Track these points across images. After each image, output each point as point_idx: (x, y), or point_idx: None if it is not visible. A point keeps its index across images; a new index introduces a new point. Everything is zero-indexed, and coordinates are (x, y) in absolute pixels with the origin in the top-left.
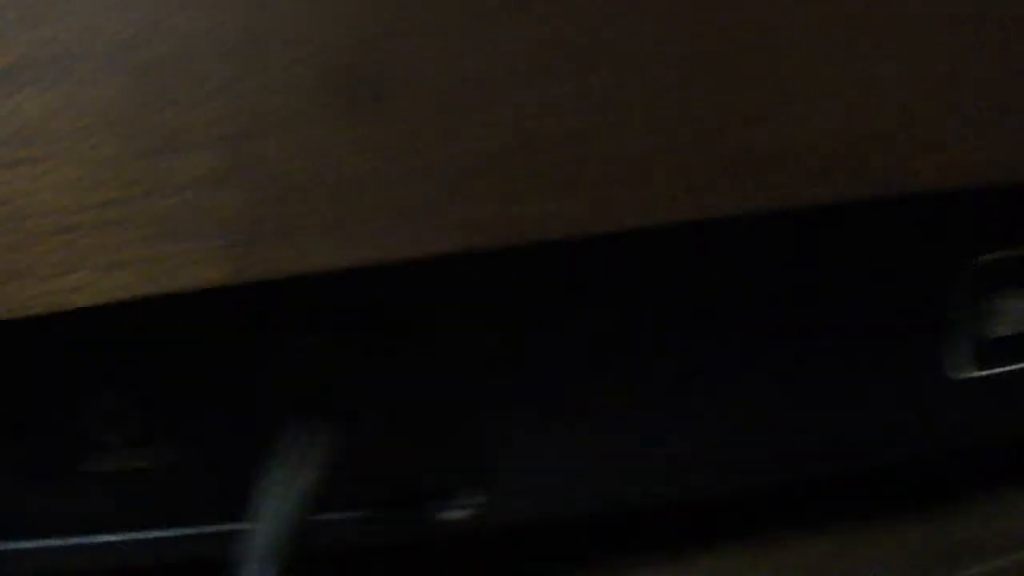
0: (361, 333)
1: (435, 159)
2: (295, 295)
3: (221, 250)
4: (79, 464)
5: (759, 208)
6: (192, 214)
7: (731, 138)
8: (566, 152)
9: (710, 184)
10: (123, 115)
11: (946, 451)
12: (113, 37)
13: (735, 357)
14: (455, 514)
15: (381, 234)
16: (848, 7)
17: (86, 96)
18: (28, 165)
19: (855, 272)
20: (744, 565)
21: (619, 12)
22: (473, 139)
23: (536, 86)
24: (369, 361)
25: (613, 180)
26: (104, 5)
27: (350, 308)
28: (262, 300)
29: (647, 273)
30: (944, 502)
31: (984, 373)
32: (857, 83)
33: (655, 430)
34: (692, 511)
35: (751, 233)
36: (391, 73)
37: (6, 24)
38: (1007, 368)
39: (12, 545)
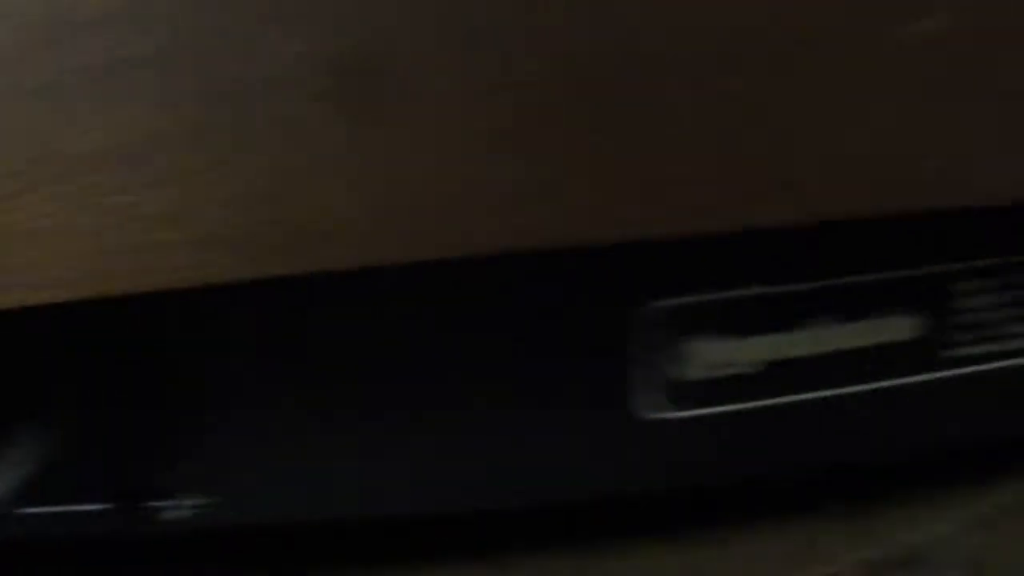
0: (81, 332)
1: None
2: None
3: None
4: None
5: None
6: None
7: None
8: None
9: None
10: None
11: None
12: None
13: (445, 386)
14: (176, 514)
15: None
16: None
17: None
18: None
19: (546, 315)
20: None
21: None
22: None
23: None
24: (90, 359)
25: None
26: None
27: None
28: None
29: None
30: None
31: (681, 415)
32: None
33: (375, 439)
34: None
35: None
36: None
37: None
38: (703, 411)
39: None
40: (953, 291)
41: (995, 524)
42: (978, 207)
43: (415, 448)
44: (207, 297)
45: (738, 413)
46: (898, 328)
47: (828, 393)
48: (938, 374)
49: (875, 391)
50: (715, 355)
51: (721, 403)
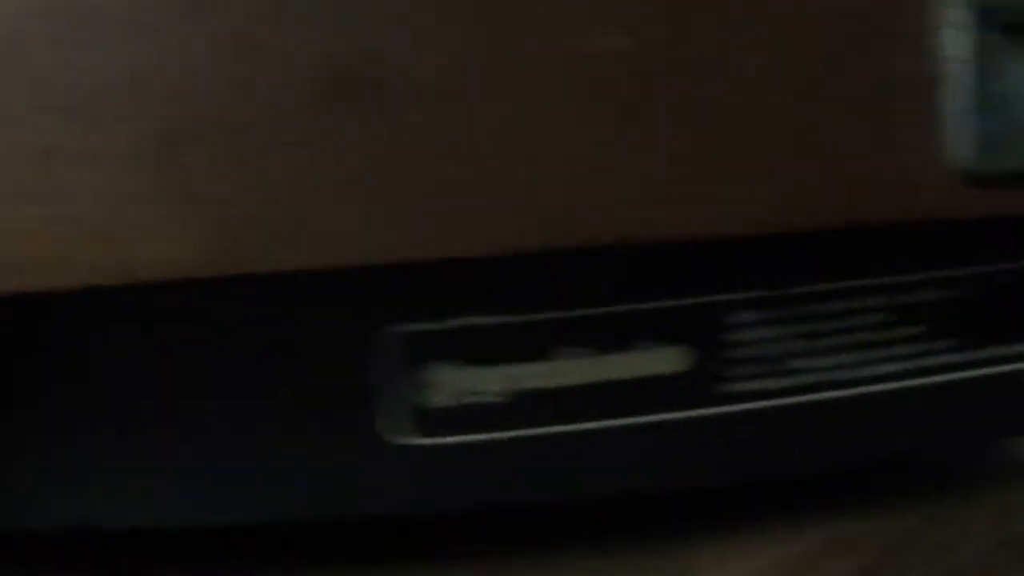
0: None
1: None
2: None
3: None
4: None
5: None
6: None
7: None
8: None
9: None
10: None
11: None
12: None
13: (195, 406)
14: None
15: None
16: None
17: None
18: None
19: (296, 336)
20: None
21: None
22: None
23: None
24: None
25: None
26: None
27: None
28: None
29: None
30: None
31: (428, 442)
32: None
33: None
34: None
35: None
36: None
37: None
38: (451, 439)
39: None
40: (725, 323)
41: (815, 564)
42: (744, 236)
43: (164, 465)
44: None
45: (489, 443)
46: (664, 361)
47: (589, 426)
48: (714, 409)
49: (642, 425)
50: (458, 383)
51: (469, 432)
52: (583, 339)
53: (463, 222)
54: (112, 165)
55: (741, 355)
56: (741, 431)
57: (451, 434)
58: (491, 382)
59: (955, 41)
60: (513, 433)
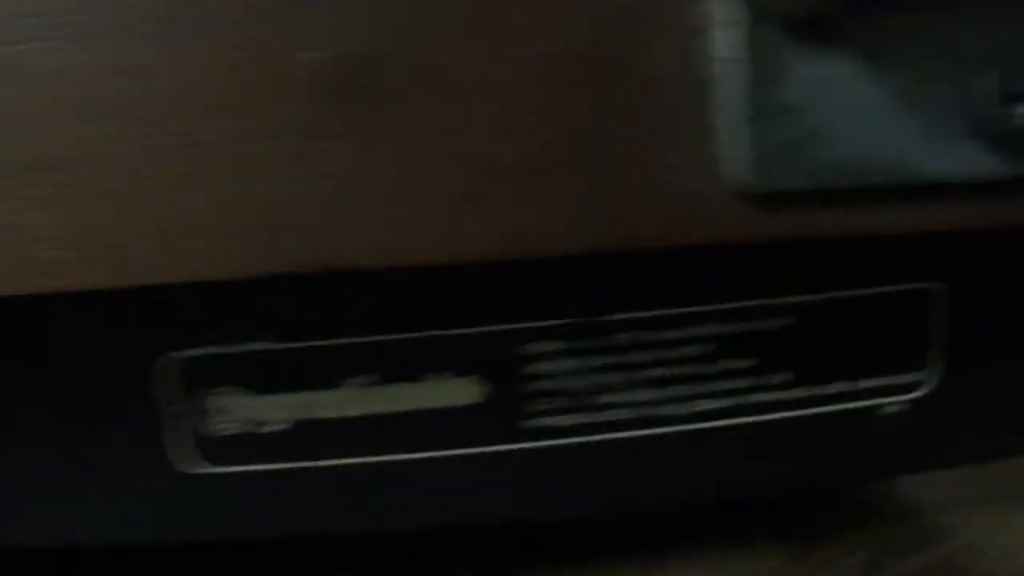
0: None
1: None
2: None
3: None
4: None
5: None
6: None
7: None
8: None
9: None
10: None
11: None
12: None
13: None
14: None
15: None
16: None
17: None
18: None
19: (89, 358)
20: None
21: None
22: None
23: None
24: None
25: None
26: None
27: None
28: None
29: None
30: None
31: (215, 470)
32: None
33: None
34: None
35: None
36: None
37: None
38: (240, 468)
39: None
40: (521, 354)
41: None
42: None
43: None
44: None
45: (277, 472)
46: (456, 392)
47: (380, 459)
48: (513, 445)
49: (436, 460)
50: (244, 410)
51: (255, 461)
52: (372, 367)
53: (222, 244)
54: None
55: (542, 388)
56: (547, 468)
57: (237, 463)
58: (277, 410)
59: (727, 39)
60: (300, 464)
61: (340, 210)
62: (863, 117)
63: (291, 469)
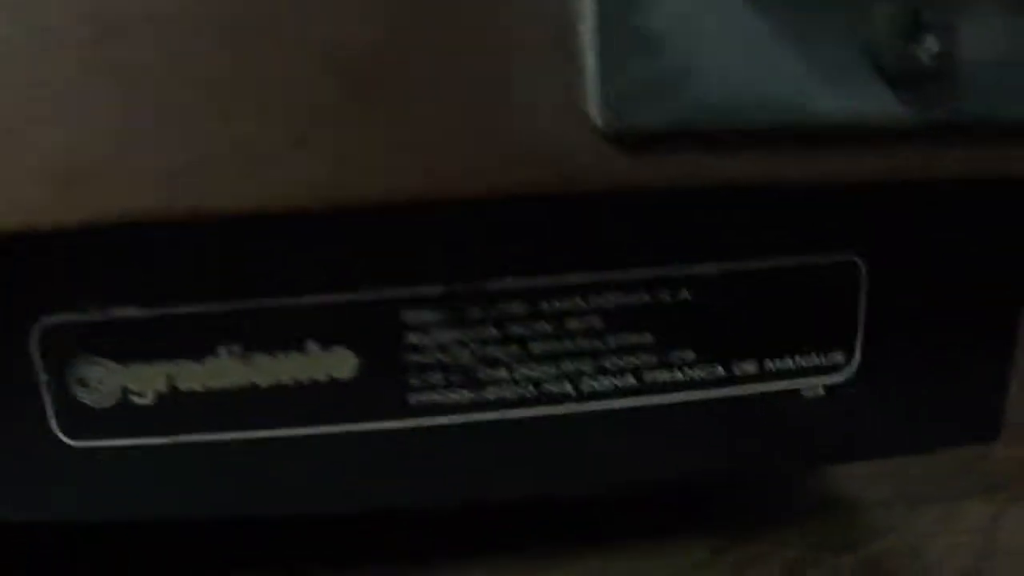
0: None
1: None
2: None
3: None
4: None
5: None
6: None
7: None
8: None
9: None
10: None
11: None
12: None
13: None
14: None
15: None
16: None
17: None
18: None
19: None
20: None
21: None
22: None
23: None
24: None
25: None
26: None
27: None
28: None
29: None
30: None
31: (88, 444)
32: None
33: None
34: None
35: None
36: None
37: None
38: (109, 442)
39: None
40: (402, 323)
41: None
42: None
43: None
44: None
45: (149, 448)
46: (335, 364)
47: (257, 434)
48: (397, 423)
49: (315, 437)
50: (113, 381)
51: (126, 436)
52: (241, 337)
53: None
54: None
55: (423, 360)
56: (432, 449)
57: (107, 437)
58: (145, 381)
59: None
60: (168, 440)
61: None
62: (742, 50)
63: (160, 445)
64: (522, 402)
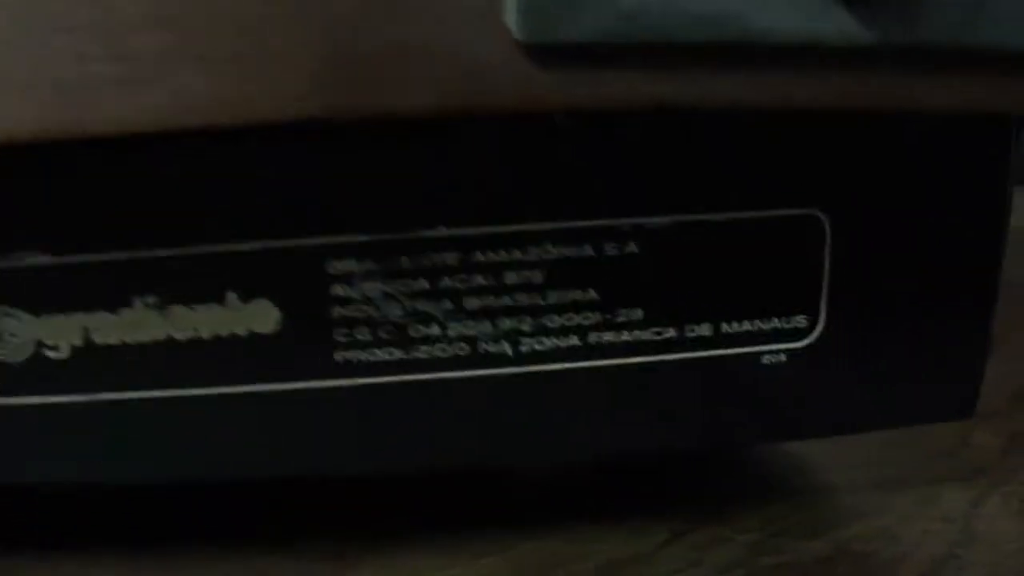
0: None
1: None
2: None
3: None
4: None
5: None
6: None
7: None
8: None
9: None
10: None
11: None
12: None
13: None
14: None
15: None
16: None
17: None
18: None
19: None
20: None
21: None
22: None
23: None
24: None
25: None
26: None
27: None
28: None
29: None
30: None
31: (10, 401)
32: None
33: None
34: None
35: None
36: None
37: None
38: (23, 400)
39: None
40: (328, 274)
41: None
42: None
43: None
44: None
45: (66, 406)
46: (257, 317)
47: (175, 393)
48: (322, 382)
49: (237, 396)
50: (26, 333)
51: (40, 393)
52: (158, 287)
53: None
54: None
55: (351, 315)
56: (361, 412)
57: (21, 394)
58: (62, 334)
59: None
60: (89, 397)
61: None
62: None
63: (75, 403)
64: (456, 363)
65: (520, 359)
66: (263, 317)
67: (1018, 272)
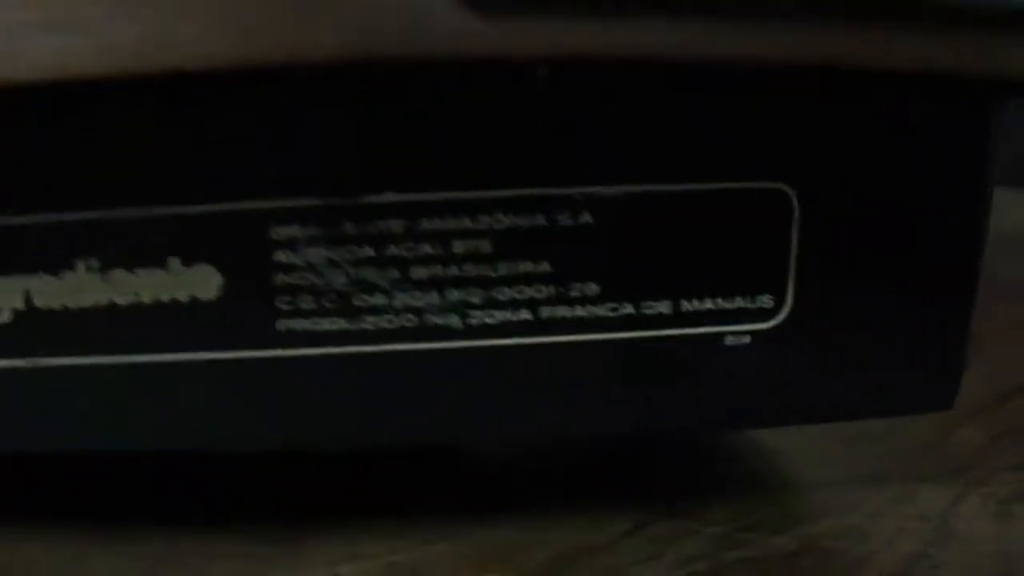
0: None
1: None
2: None
3: None
4: None
5: None
6: None
7: None
8: None
9: None
10: None
11: None
12: None
13: None
14: None
15: None
16: None
17: None
18: None
19: None
20: None
21: None
22: None
23: None
24: None
25: None
26: None
27: None
28: None
29: None
30: None
31: None
32: None
33: None
34: None
35: None
36: None
37: None
38: None
39: None
40: (270, 240)
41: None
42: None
43: None
44: None
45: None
46: (196, 283)
47: (113, 359)
48: (269, 352)
49: (177, 364)
50: None
51: None
52: (99, 250)
53: None
54: None
55: (293, 283)
56: (305, 384)
57: None
58: (4, 297)
59: None
60: (32, 362)
61: None
62: None
63: (18, 369)
64: (403, 334)
65: (470, 332)
66: (205, 283)
67: (1011, 269)
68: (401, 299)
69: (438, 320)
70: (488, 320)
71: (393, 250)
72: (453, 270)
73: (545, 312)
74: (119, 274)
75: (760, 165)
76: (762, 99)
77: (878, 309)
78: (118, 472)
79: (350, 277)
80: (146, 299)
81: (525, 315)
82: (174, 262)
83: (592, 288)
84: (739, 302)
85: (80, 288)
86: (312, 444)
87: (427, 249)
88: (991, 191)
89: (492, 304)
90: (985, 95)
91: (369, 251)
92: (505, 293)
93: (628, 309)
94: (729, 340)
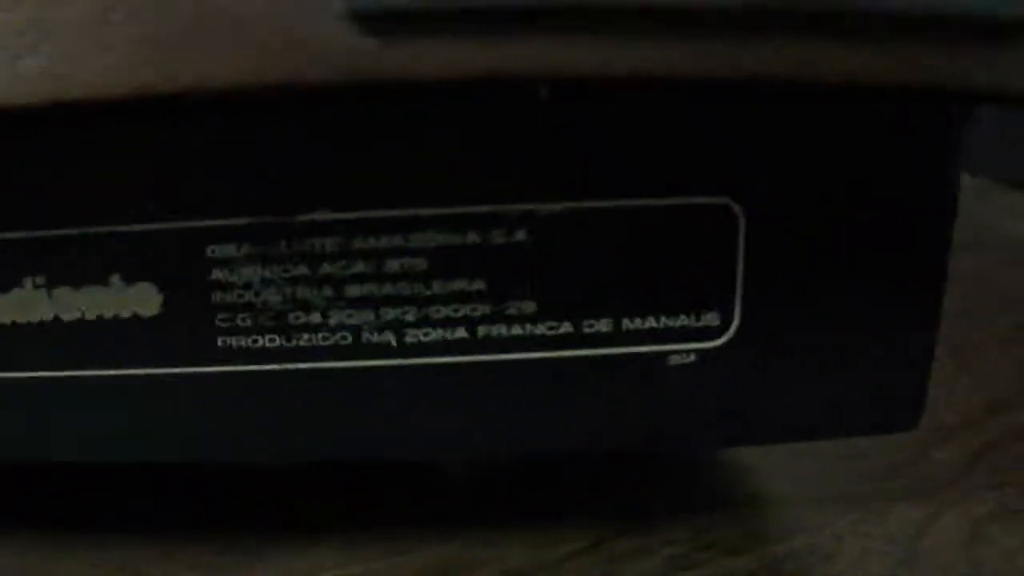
0: None
1: None
2: None
3: None
4: None
5: None
6: None
7: None
8: None
9: None
10: None
11: None
12: None
13: None
14: None
15: None
16: None
17: None
18: None
19: None
20: None
21: None
22: None
23: None
24: None
25: None
26: None
27: None
28: None
29: None
30: None
31: None
32: None
33: None
34: None
35: None
36: None
37: None
38: None
39: None
40: (207, 257)
41: None
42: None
43: None
44: None
45: None
46: (136, 300)
47: (55, 374)
48: (209, 368)
49: (122, 379)
50: None
51: None
52: (50, 268)
53: None
54: None
55: (230, 300)
56: (247, 401)
57: None
58: None
59: None
60: None
61: None
62: None
63: None
64: (339, 352)
65: (405, 351)
66: (146, 300)
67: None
68: (336, 317)
69: (374, 338)
70: (424, 338)
71: (327, 268)
72: (388, 288)
73: (481, 330)
74: (64, 291)
75: (703, 180)
76: (704, 112)
77: (832, 326)
78: (81, 480)
79: (285, 295)
80: (90, 315)
81: (461, 333)
82: (116, 280)
83: (529, 306)
84: (684, 320)
85: (27, 304)
86: (252, 458)
87: (361, 267)
88: (955, 200)
89: (428, 322)
90: (948, 102)
91: (304, 269)
92: (440, 311)
93: (567, 327)
94: (673, 359)
